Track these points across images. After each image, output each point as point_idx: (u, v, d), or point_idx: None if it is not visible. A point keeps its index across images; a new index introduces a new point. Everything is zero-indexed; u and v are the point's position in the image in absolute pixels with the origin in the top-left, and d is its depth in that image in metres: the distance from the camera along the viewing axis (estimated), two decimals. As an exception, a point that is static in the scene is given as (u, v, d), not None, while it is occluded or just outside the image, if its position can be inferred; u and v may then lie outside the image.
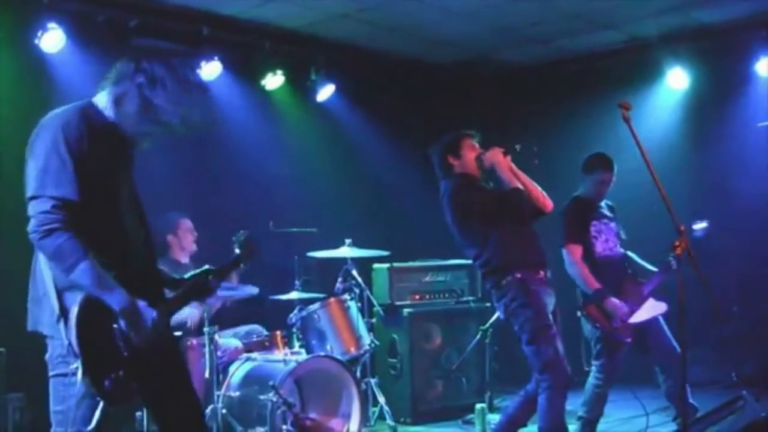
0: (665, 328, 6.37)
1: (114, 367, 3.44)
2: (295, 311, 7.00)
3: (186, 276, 3.93)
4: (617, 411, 7.45)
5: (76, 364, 3.36)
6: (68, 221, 3.41)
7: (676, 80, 9.13)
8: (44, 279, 3.52)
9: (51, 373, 3.58)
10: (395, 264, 8.17)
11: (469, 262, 8.26)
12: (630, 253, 6.63)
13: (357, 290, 7.29)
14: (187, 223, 7.28)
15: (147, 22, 7.62)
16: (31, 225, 3.42)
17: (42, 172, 3.44)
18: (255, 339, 6.98)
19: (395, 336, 8.06)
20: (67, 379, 3.49)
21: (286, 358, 6.46)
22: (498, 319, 7.18)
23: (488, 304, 8.03)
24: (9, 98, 7.00)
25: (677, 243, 4.90)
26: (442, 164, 5.96)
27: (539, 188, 5.86)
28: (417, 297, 8.22)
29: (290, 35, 8.73)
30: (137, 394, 3.59)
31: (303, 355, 6.60)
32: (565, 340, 5.67)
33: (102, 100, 3.70)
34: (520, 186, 5.70)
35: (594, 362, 6.39)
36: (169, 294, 3.85)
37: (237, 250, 4.06)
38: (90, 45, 7.20)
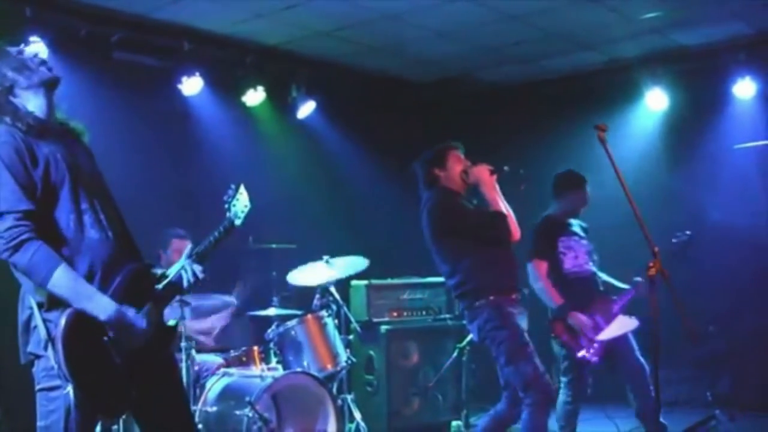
0: (634, 345, 6.38)
1: (111, 380, 3.41)
2: (273, 327, 6.98)
3: (171, 269, 3.76)
4: (590, 430, 7.45)
5: (68, 388, 3.30)
6: (36, 231, 3.37)
7: (655, 101, 9.19)
8: (30, 303, 3.45)
9: (36, 387, 3.51)
10: (373, 281, 8.18)
11: (448, 279, 8.40)
12: (600, 272, 6.64)
13: (335, 307, 7.27)
14: (179, 244, 7.17)
15: (129, 36, 7.65)
16: (0, 245, 3.35)
17: None
18: (232, 354, 6.98)
19: (372, 353, 8.07)
20: (51, 393, 3.43)
21: (263, 373, 6.46)
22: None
23: (465, 322, 8.05)
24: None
25: (651, 264, 4.92)
26: (426, 175, 5.81)
27: (512, 215, 5.71)
28: (394, 314, 8.23)
29: (271, 52, 8.76)
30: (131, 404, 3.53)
31: (280, 371, 6.59)
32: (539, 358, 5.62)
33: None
34: (504, 209, 5.60)
35: (562, 378, 6.42)
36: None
37: (230, 210, 3.85)
38: (72, 59, 7.17)
